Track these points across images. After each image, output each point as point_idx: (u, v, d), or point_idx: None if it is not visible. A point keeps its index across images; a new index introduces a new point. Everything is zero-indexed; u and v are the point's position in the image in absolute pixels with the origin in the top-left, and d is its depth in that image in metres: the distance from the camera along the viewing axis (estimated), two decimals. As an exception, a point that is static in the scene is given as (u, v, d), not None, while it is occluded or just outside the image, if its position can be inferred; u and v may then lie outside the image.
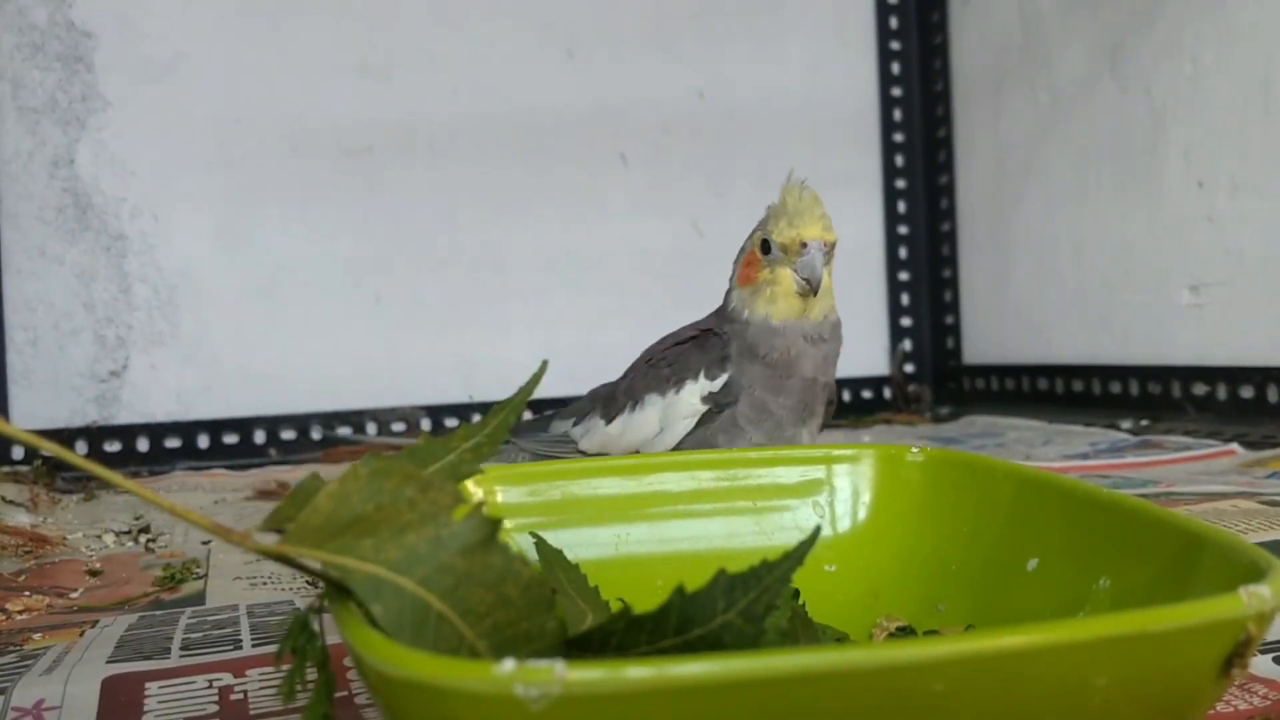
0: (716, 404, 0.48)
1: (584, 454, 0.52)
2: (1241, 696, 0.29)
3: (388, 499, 0.22)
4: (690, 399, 0.49)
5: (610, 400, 0.52)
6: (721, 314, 0.51)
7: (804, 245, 0.47)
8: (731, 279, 0.51)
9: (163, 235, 0.96)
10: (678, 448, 0.49)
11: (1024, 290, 1.08)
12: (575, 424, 0.54)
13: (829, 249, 0.48)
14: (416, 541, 0.21)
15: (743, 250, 0.50)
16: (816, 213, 0.47)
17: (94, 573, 0.53)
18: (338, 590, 0.22)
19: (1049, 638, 0.19)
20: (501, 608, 0.21)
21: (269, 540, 0.22)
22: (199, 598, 0.46)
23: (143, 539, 0.59)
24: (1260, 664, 0.31)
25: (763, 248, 0.48)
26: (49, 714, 0.31)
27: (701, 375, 0.49)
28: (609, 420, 0.51)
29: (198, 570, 0.51)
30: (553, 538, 0.32)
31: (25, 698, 0.31)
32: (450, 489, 0.22)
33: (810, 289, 0.47)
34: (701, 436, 0.49)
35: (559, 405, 1.06)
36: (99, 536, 0.60)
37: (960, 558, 0.32)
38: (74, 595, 0.48)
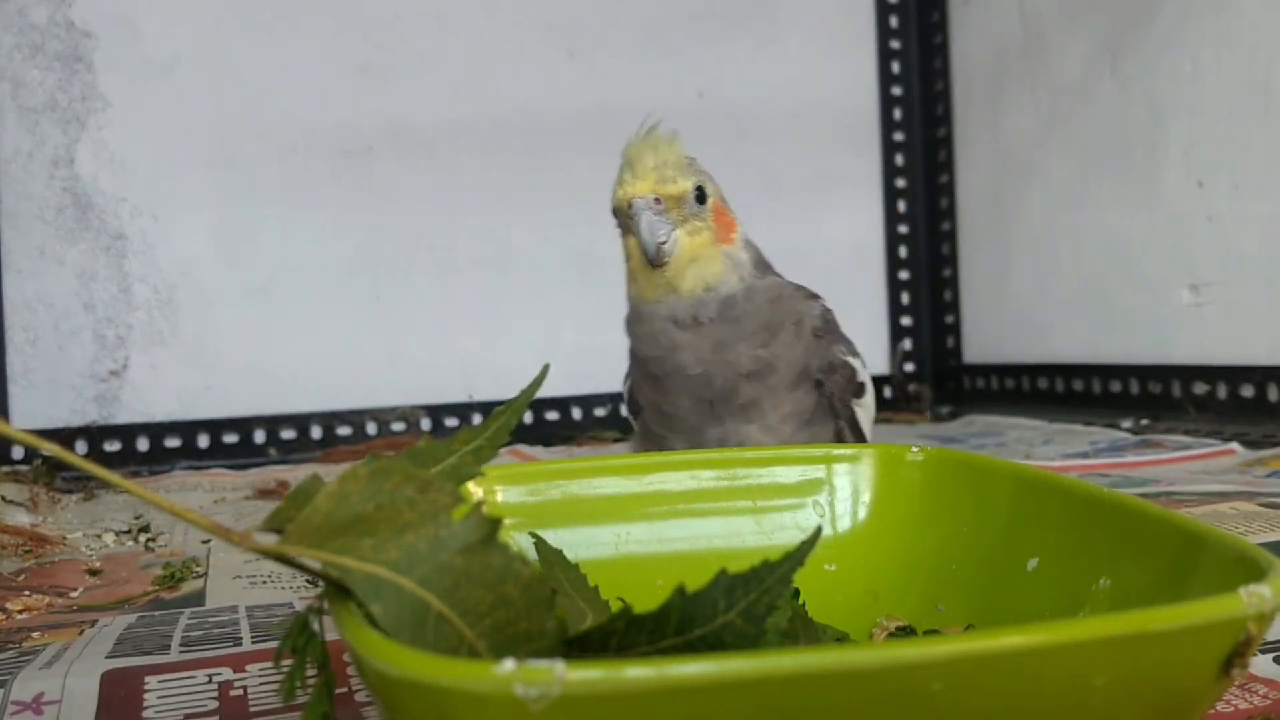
0: (633, 411, 0.42)
1: None
2: (1242, 696, 0.29)
3: (387, 499, 0.22)
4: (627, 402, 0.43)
5: None
6: None
7: (630, 206, 0.38)
8: None
9: (162, 235, 0.96)
10: None
11: (1024, 289, 1.08)
12: None
13: (675, 202, 0.38)
14: (416, 541, 0.21)
15: None
16: (647, 163, 0.38)
17: (94, 572, 0.53)
18: (338, 590, 0.22)
19: (1049, 638, 0.19)
20: (501, 607, 0.21)
21: (268, 540, 0.22)
22: (199, 597, 0.46)
23: (142, 538, 0.59)
24: (1260, 664, 0.31)
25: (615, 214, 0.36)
26: (48, 708, 0.31)
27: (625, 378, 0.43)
28: None
29: (197, 569, 0.51)
30: (553, 537, 0.32)
31: (24, 691, 0.31)
32: (450, 489, 0.22)
33: (649, 260, 0.38)
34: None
35: (559, 405, 1.07)
36: (99, 536, 0.60)
37: (960, 557, 0.32)
38: (74, 595, 0.48)
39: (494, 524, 0.22)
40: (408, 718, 0.19)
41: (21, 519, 0.63)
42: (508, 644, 0.21)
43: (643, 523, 0.35)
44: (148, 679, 0.32)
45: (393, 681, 0.18)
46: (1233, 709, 0.28)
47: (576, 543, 0.33)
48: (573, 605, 0.28)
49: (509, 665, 0.17)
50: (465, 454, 0.25)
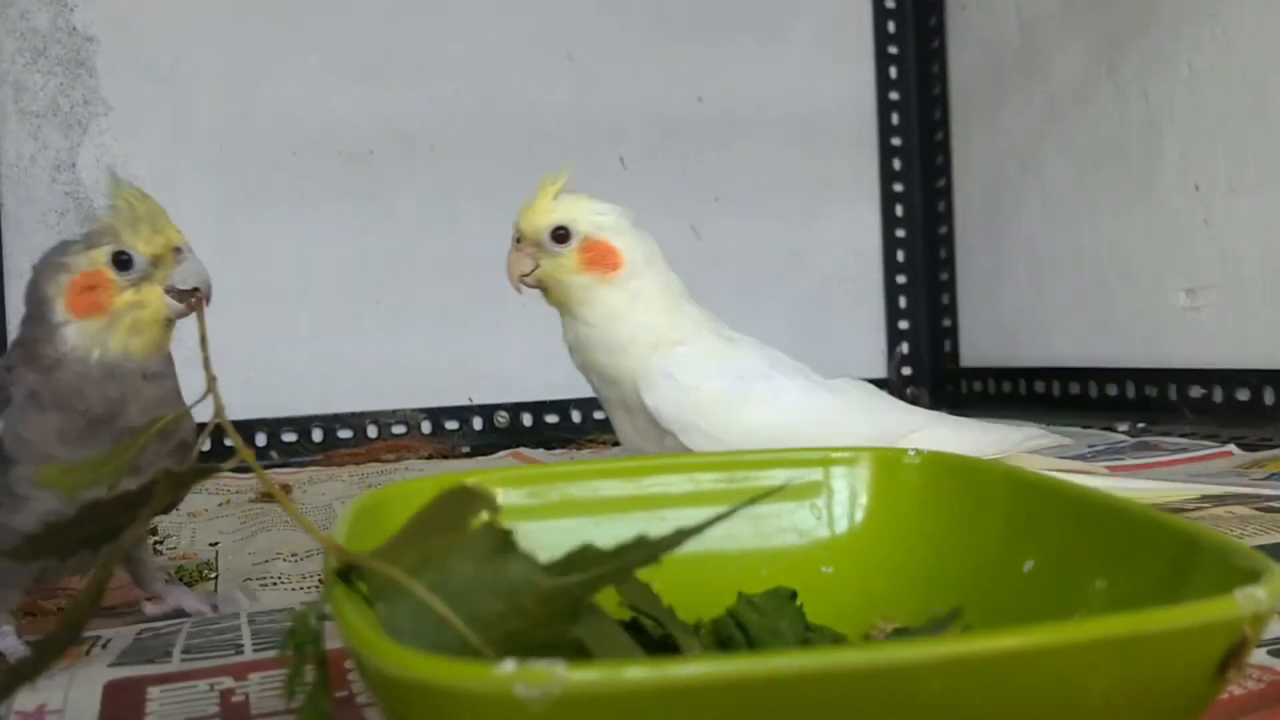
0: None
1: None
2: (1237, 682, 0.29)
3: (447, 512, 0.23)
4: None
5: None
6: (29, 356, 0.38)
7: (178, 251, 0.39)
8: (46, 311, 0.38)
9: (163, 239, 0.96)
10: None
11: (1021, 293, 1.08)
12: None
13: None
14: (435, 548, 0.22)
15: (52, 279, 0.38)
16: (167, 216, 0.39)
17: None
18: (341, 586, 0.22)
19: (1045, 639, 0.19)
20: (515, 617, 0.21)
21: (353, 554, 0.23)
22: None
23: (150, 541, 0.60)
24: (1255, 656, 0.31)
25: (118, 264, 0.38)
26: (51, 717, 0.31)
27: None
28: None
29: (209, 573, 0.51)
30: (552, 539, 0.32)
31: (27, 702, 0.31)
32: (488, 499, 0.22)
33: (202, 299, 0.40)
34: None
35: (559, 408, 1.07)
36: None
37: (957, 559, 0.32)
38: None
39: (506, 534, 0.22)
40: (409, 718, 0.19)
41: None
42: (520, 653, 0.21)
43: (642, 525, 0.35)
44: (149, 689, 0.33)
45: (394, 682, 0.18)
46: (1227, 694, 0.29)
47: (575, 545, 0.33)
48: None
49: (510, 666, 0.17)
50: (607, 570, 0.23)
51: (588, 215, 0.47)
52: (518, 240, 0.47)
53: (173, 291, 0.39)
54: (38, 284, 0.39)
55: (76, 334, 0.38)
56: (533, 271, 0.47)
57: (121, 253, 0.38)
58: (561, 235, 0.46)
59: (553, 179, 0.47)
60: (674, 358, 0.47)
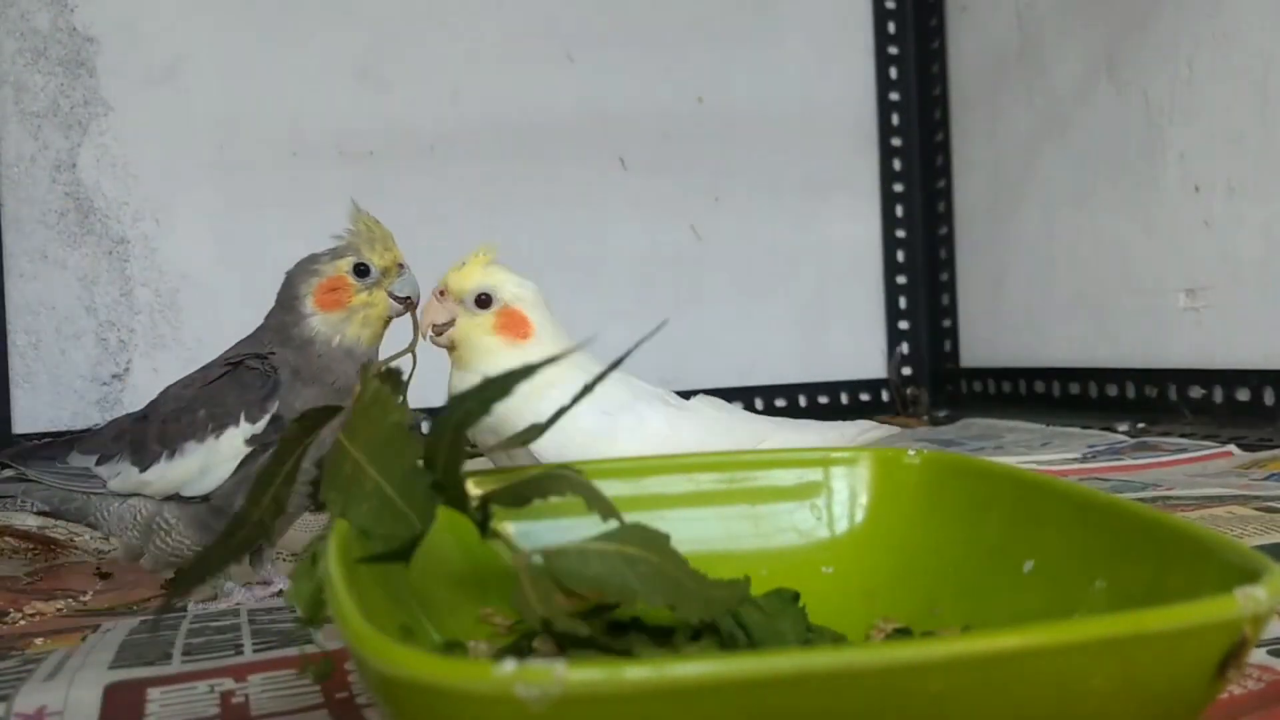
0: (261, 443, 0.46)
1: (116, 493, 0.48)
2: (1237, 682, 0.29)
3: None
4: (232, 443, 0.47)
5: (141, 445, 0.48)
6: (281, 338, 0.48)
7: (401, 266, 0.50)
8: (298, 304, 0.48)
9: (164, 238, 0.97)
10: (222, 484, 0.47)
11: (1021, 293, 1.09)
12: (99, 462, 0.49)
13: None
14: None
15: (305, 280, 0.49)
16: (392, 239, 0.51)
17: (104, 575, 0.53)
18: (343, 583, 0.22)
19: (1045, 639, 0.19)
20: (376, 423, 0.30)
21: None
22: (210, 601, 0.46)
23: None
24: (1255, 655, 0.31)
25: (357, 272, 0.49)
26: (51, 719, 0.31)
27: (243, 419, 0.47)
28: (143, 468, 0.47)
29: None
30: (550, 539, 0.32)
31: (27, 704, 0.31)
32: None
33: (414, 304, 0.50)
34: (247, 473, 0.46)
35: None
36: (106, 539, 0.60)
37: (957, 559, 0.32)
38: (84, 598, 0.49)
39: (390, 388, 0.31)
40: (408, 718, 0.19)
41: (30, 522, 0.64)
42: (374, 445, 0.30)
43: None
44: (149, 690, 0.33)
45: (393, 682, 0.18)
46: (1227, 694, 0.29)
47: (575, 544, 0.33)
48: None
49: (510, 666, 0.17)
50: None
51: (511, 286, 0.52)
52: (441, 293, 0.52)
53: (393, 297, 0.49)
54: (292, 283, 0.49)
55: (321, 323, 0.48)
56: (447, 324, 0.52)
57: (361, 264, 0.49)
58: (484, 300, 0.51)
59: (488, 248, 0.54)
60: (546, 400, 0.54)
